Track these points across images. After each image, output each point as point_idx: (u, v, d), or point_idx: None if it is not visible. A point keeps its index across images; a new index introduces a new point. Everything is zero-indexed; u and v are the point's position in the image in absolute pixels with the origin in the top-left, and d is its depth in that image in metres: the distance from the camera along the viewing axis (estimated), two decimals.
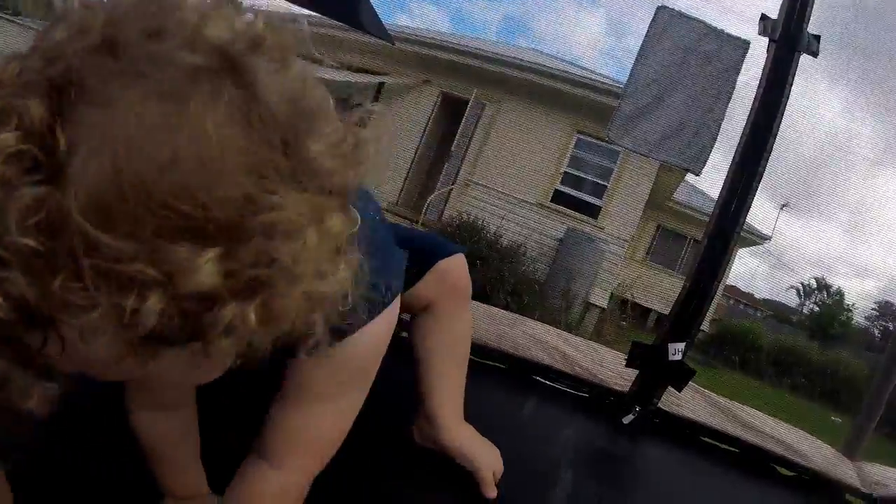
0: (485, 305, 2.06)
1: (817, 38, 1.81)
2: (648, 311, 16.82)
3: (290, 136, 0.43)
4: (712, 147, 1.86)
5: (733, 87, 1.87)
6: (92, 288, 0.38)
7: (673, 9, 1.91)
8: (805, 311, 41.68)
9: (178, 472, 0.97)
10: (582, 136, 12.42)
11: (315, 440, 0.88)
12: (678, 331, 1.84)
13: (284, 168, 0.43)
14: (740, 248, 16.05)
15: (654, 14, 1.88)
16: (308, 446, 0.88)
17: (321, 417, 0.87)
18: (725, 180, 1.79)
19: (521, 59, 12.63)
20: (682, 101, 1.85)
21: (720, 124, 1.85)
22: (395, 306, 0.86)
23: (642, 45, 1.88)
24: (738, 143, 1.77)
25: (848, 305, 36.75)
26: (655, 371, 1.86)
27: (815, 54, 1.81)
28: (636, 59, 1.88)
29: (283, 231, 0.42)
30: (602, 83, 11.89)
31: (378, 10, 5.37)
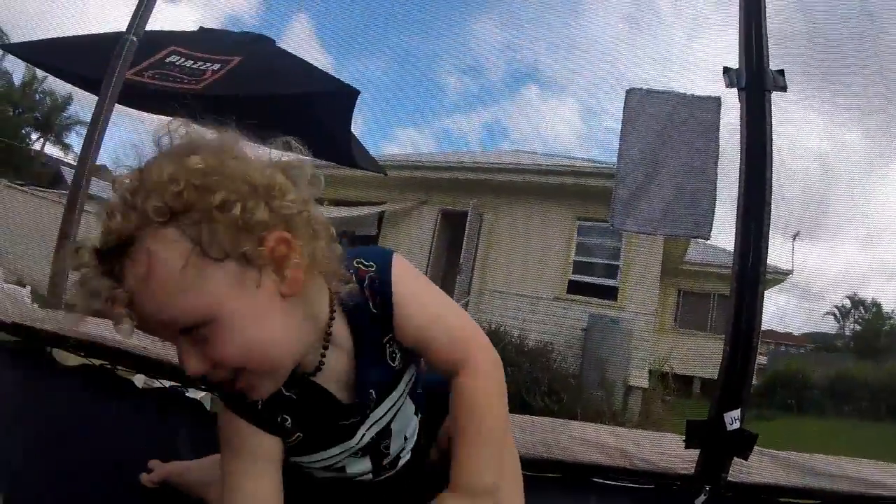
0: (523, 416, 2.04)
1: (781, 72, 1.86)
2: (691, 378, 16.39)
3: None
4: (714, 208, 1.89)
5: (717, 145, 1.93)
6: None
7: (641, 88, 2.00)
8: (847, 332, 40.57)
9: None
10: (583, 223, 12.57)
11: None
12: (730, 398, 1.81)
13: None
14: (766, 290, 15.85)
15: (626, 98, 1.98)
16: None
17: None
18: (736, 233, 1.80)
19: (508, 163, 12.99)
20: (672, 172, 1.91)
21: (715, 183, 1.90)
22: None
23: (622, 129, 1.96)
24: (738, 193, 1.79)
25: (887, 313, 35.69)
26: (717, 446, 1.81)
27: (783, 89, 1.86)
28: (620, 144, 1.96)
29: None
30: (590, 167, 12.15)
31: (364, 143, 5.62)
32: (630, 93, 1.97)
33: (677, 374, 14.66)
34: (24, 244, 14.07)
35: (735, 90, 1.84)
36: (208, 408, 1.90)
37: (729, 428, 1.78)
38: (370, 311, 0.98)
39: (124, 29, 2.73)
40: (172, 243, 0.79)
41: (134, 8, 2.64)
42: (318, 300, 0.95)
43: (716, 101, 1.94)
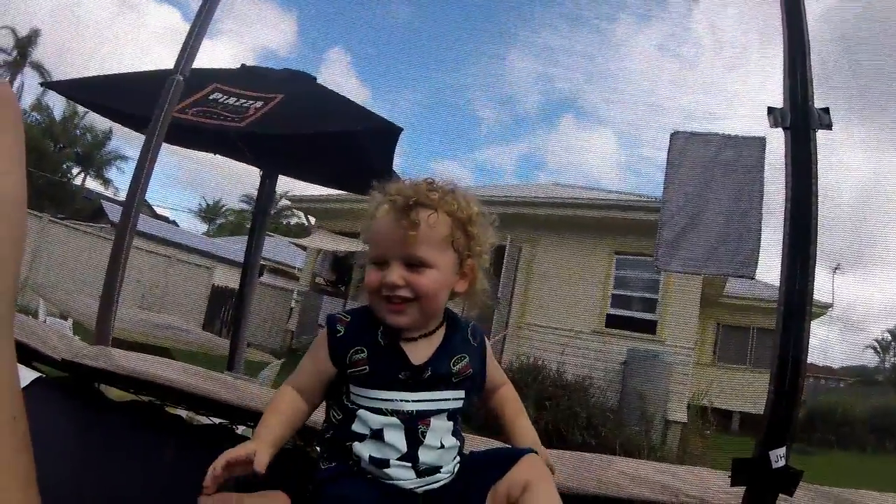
0: (571, 452, 2.02)
1: (826, 110, 1.84)
2: (730, 413, 16.03)
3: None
4: (759, 248, 1.88)
5: (762, 185, 1.91)
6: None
7: (685, 131, 2.00)
8: (887, 365, 39.36)
9: (265, 426, 1.37)
10: (621, 256, 12.50)
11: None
12: (775, 436, 1.78)
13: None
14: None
15: (670, 141, 1.97)
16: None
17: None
18: (782, 270, 1.77)
19: (546, 197, 13.02)
20: (717, 213, 1.90)
21: (760, 223, 1.88)
22: None
23: (666, 173, 1.95)
24: (784, 232, 1.77)
25: None
26: (763, 483, 1.77)
27: (829, 127, 1.83)
28: (665, 187, 1.95)
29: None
30: (628, 201, 12.13)
31: (402, 175, 5.67)
32: (675, 136, 1.97)
33: (716, 409, 14.36)
34: (66, 277, 14.45)
35: (780, 131, 1.82)
36: None
37: (774, 466, 1.75)
38: (466, 338, 1.49)
39: (165, 67, 2.79)
40: (445, 222, 1.36)
41: (180, 48, 2.69)
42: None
43: (760, 142, 1.92)
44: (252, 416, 1.91)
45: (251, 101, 4.37)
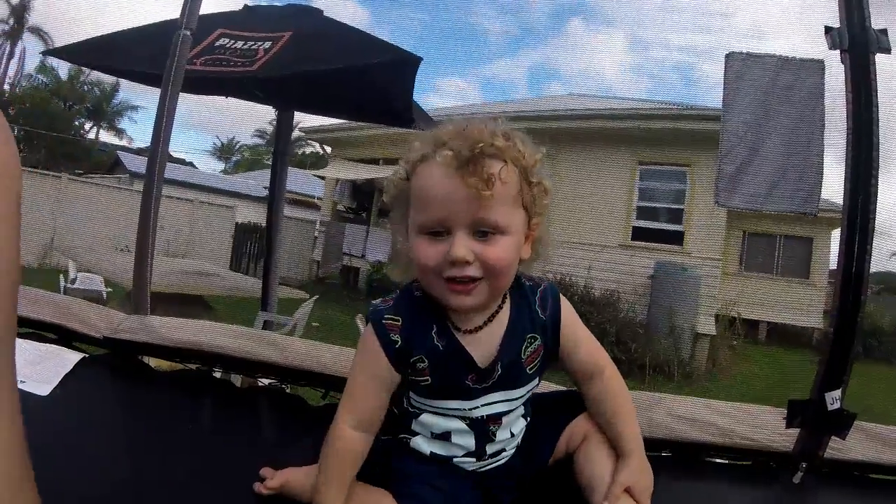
0: None
1: (884, 32, 1.72)
2: (757, 322, 16.05)
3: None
4: (821, 182, 1.78)
5: (823, 114, 1.79)
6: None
7: (741, 52, 1.87)
8: None
9: (334, 488, 1.19)
10: (645, 167, 12.31)
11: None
12: (832, 379, 1.75)
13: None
14: (833, 229, 15.34)
15: (725, 63, 1.84)
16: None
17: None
18: (843, 222, 1.69)
19: (562, 109, 12.73)
20: (777, 144, 1.80)
21: (822, 157, 1.77)
22: None
23: (724, 99, 1.84)
24: (846, 164, 1.68)
25: None
26: (817, 425, 1.76)
27: (888, 51, 1.72)
28: (723, 115, 1.84)
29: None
30: (649, 109, 11.85)
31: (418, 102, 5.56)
32: (730, 57, 1.83)
33: (744, 319, 14.40)
34: (91, 233, 14.57)
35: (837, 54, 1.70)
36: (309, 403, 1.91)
37: (830, 408, 1.74)
38: (534, 310, 1.25)
39: (172, 18, 2.70)
40: (514, 174, 1.13)
41: (183, 2, 2.61)
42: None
43: (820, 64, 1.79)
44: (301, 375, 1.92)
45: (259, 43, 4.26)
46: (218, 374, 2.18)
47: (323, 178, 18.75)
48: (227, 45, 4.27)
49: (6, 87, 31.11)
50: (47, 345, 1.96)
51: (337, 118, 7.32)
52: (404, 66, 4.13)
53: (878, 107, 1.64)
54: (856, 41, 1.68)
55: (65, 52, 5.60)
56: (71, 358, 1.88)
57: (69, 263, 8.34)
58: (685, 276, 10.82)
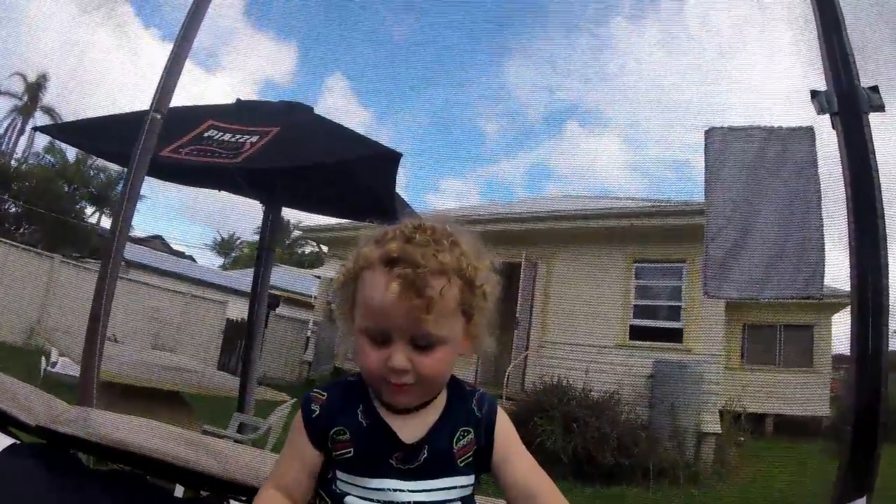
0: None
1: (875, 89, 1.60)
2: (763, 416, 15.55)
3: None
4: (824, 258, 1.61)
5: (818, 183, 1.66)
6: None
7: (721, 127, 1.75)
8: None
9: None
10: (640, 265, 12.24)
11: None
12: (856, 483, 1.54)
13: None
14: (833, 314, 15.19)
15: (705, 140, 1.73)
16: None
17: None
18: (852, 302, 1.52)
19: (557, 210, 12.80)
20: (771, 221, 1.65)
21: (822, 230, 1.61)
22: None
23: (706, 178, 1.71)
24: (849, 239, 1.52)
25: None
26: None
27: (881, 108, 1.60)
28: (706, 194, 1.71)
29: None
30: (643, 207, 11.90)
31: (406, 196, 5.54)
32: (710, 133, 1.72)
33: (749, 413, 13.96)
34: (77, 319, 14.37)
35: (827, 118, 1.57)
36: None
37: None
38: (470, 407, 1.26)
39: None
40: (456, 285, 1.15)
41: (156, 87, 2.60)
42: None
43: (809, 133, 1.66)
44: (243, 490, 1.71)
45: (246, 136, 4.28)
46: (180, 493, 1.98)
47: (319, 277, 18.75)
48: (215, 137, 4.30)
49: (13, 162, 31.71)
50: None
51: (322, 214, 7.35)
52: (385, 161, 4.14)
53: (877, 171, 1.50)
54: (845, 102, 1.56)
55: (52, 131, 5.64)
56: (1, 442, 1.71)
57: (52, 347, 8.20)
58: (685, 373, 10.53)
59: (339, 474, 1.21)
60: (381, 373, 1.16)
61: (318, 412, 1.23)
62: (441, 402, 1.26)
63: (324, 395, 1.25)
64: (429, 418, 1.23)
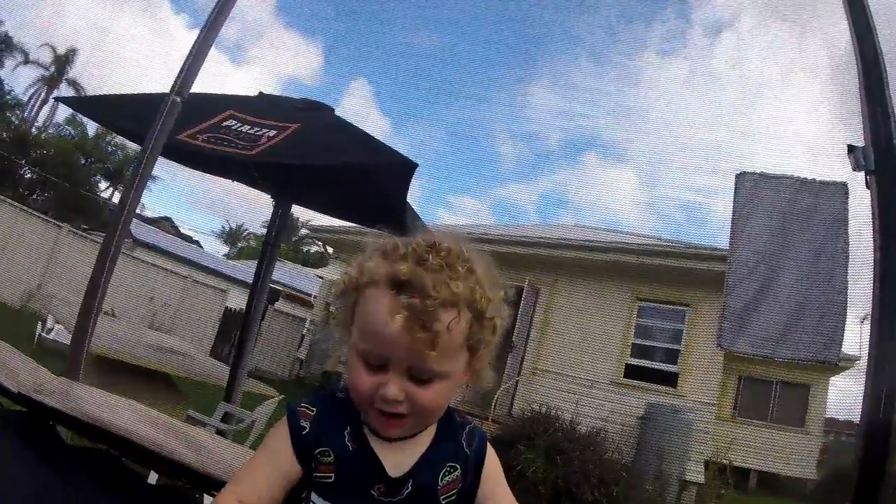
0: None
1: None
2: (748, 471, 15.37)
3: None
4: (844, 325, 1.55)
5: (847, 243, 1.60)
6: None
7: (754, 172, 1.70)
8: None
9: None
10: (644, 304, 12.16)
11: None
12: None
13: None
14: (829, 376, 15.08)
15: (735, 183, 1.67)
16: None
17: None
18: (868, 368, 1.47)
19: (567, 239, 12.75)
20: (795, 276, 1.58)
21: (846, 294, 1.55)
22: None
23: (733, 222, 1.65)
24: (872, 311, 1.46)
25: None
26: None
27: None
28: (731, 241, 1.65)
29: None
30: (653, 246, 11.83)
31: (417, 208, 5.52)
32: (741, 177, 1.67)
33: (734, 467, 13.80)
34: (76, 288, 14.37)
35: (861, 176, 1.51)
36: None
37: None
38: (459, 443, 1.20)
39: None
40: (465, 319, 1.07)
41: (178, 70, 2.59)
42: None
43: (842, 188, 1.61)
44: (218, 486, 1.67)
45: (265, 130, 4.27)
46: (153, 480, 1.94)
47: (321, 277, 18.76)
48: (234, 127, 4.29)
49: (34, 130, 31.94)
50: None
51: (331, 216, 7.34)
52: (401, 169, 4.11)
53: None
54: (883, 161, 1.50)
55: (73, 103, 5.64)
56: None
57: (48, 313, 8.20)
58: (676, 418, 10.42)
59: (315, 497, 1.15)
60: (371, 398, 1.08)
61: (307, 429, 1.15)
62: (430, 432, 1.19)
63: (312, 411, 1.17)
64: (417, 449, 1.17)
